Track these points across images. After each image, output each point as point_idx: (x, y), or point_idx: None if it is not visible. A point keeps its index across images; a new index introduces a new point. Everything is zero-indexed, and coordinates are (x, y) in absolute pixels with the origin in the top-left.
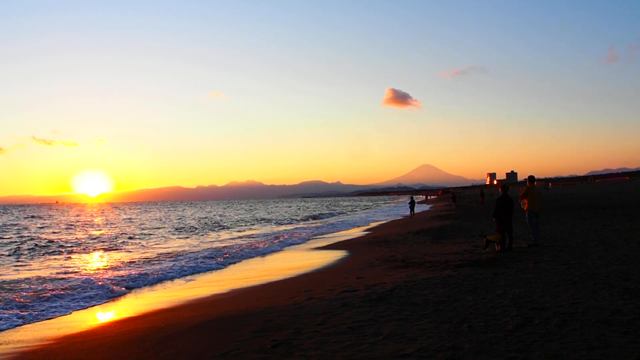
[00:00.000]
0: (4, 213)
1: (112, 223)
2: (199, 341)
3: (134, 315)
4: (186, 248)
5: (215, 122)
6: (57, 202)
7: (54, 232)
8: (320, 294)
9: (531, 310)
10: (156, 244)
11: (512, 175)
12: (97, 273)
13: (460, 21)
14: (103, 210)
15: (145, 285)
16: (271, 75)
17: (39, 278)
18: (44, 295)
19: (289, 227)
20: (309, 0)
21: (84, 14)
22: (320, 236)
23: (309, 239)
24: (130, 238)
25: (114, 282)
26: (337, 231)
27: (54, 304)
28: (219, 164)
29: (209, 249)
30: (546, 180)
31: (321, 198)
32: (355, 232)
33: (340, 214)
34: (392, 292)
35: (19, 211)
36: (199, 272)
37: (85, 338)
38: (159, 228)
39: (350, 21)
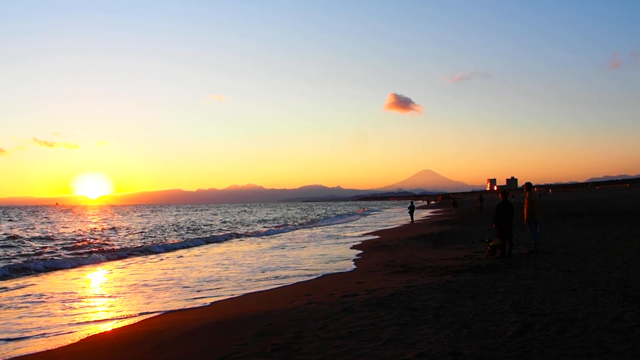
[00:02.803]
0: (33, 214)
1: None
2: (199, 344)
3: (134, 317)
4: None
5: (215, 125)
6: (57, 203)
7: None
8: (321, 298)
9: (531, 316)
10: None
11: (512, 181)
12: None
13: (462, 26)
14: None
15: None
16: (272, 79)
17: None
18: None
19: (288, 232)
20: (311, 4)
21: (85, 17)
22: (319, 239)
23: (307, 244)
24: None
25: None
26: (336, 235)
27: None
28: (219, 167)
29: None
30: (546, 187)
31: (322, 202)
32: (355, 237)
33: (344, 220)
34: (392, 297)
35: (39, 213)
36: None
37: (85, 340)
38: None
39: (353, 25)
